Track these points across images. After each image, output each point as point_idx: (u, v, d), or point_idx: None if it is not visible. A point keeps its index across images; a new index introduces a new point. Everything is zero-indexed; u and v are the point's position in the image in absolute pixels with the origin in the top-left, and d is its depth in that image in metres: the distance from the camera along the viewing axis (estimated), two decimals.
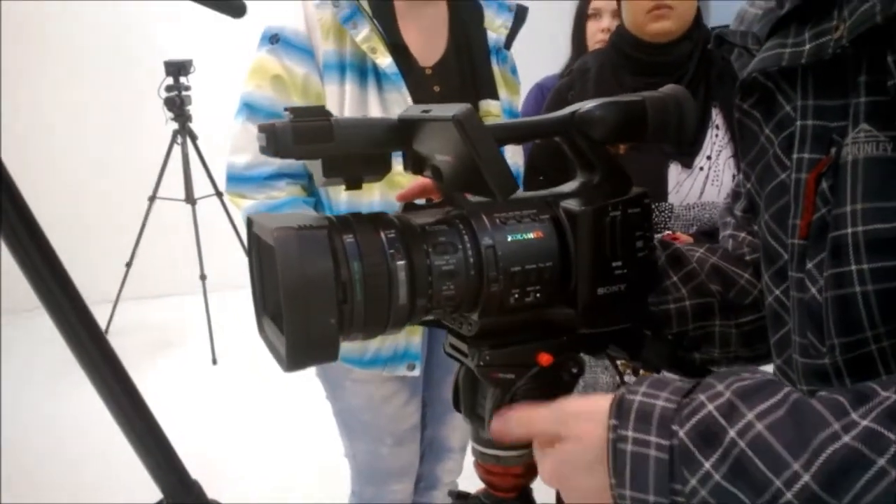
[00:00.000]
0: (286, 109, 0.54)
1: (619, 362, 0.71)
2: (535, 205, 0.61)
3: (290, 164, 1.32)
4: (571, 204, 0.60)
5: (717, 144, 1.51)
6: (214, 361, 3.82)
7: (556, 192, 0.62)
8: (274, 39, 1.30)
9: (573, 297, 0.60)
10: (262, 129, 0.54)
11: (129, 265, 4.03)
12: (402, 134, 0.56)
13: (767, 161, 0.61)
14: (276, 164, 1.31)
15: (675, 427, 0.47)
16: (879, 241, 0.49)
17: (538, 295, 0.59)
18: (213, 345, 3.83)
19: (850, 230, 0.50)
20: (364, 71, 1.29)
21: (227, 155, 1.35)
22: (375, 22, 1.30)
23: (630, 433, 0.49)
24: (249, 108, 1.32)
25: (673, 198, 1.50)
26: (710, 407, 0.47)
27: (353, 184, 0.59)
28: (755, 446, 0.44)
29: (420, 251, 0.55)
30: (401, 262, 0.54)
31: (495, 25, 1.44)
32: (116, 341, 0.62)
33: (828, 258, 0.52)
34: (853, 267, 0.50)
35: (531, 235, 0.59)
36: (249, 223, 0.59)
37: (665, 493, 0.47)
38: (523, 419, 0.57)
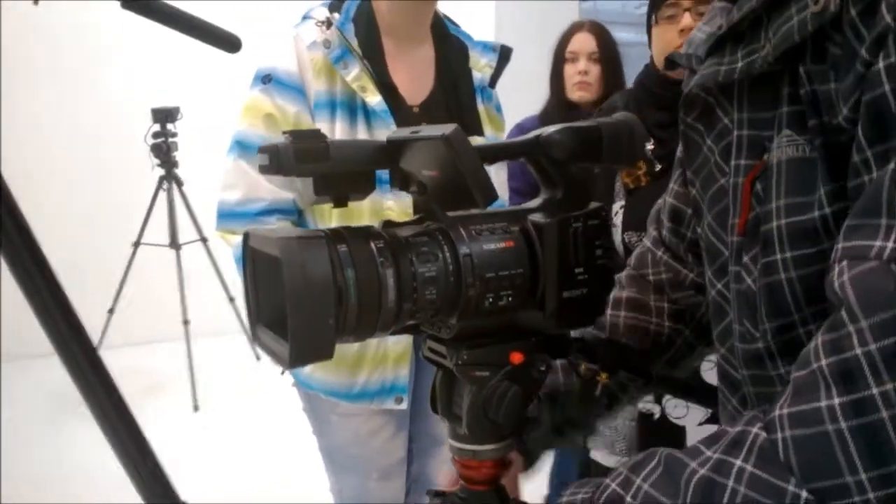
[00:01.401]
0: (285, 133, 0.62)
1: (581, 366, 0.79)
2: (505, 218, 0.68)
3: (281, 199, 1.38)
4: (538, 217, 0.68)
5: None
6: (196, 408, 3.82)
7: (523, 207, 0.70)
8: (266, 79, 1.37)
9: (541, 301, 0.67)
10: (263, 149, 0.62)
11: (111, 311, 4.05)
12: (389, 153, 0.64)
13: (709, 169, 0.69)
14: (267, 199, 1.37)
15: None
16: (799, 231, 0.56)
17: (510, 299, 0.66)
18: (194, 391, 3.83)
19: (774, 223, 0.58)
20: (354, 109, 1.37)
21: (219, 192, 1.41)
22: (365, 62, 1.38)
23: None
24: (241, 146, 1.38)
25: None
26: (613, 485, 0.58)
27: (341, 201, 0.66)
28: (645, 502, 0.55)
29: (406, 260, 0.62)
30: (389, 270, 0.61)
31: (480, 65, 1.53)
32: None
33: (759, 250, 0.60)
34: (778, 256, 0.58)
35: (503, 245, 0.66)
36: (246, 237, 0.66)
37: None
38: None
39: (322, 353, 0.59)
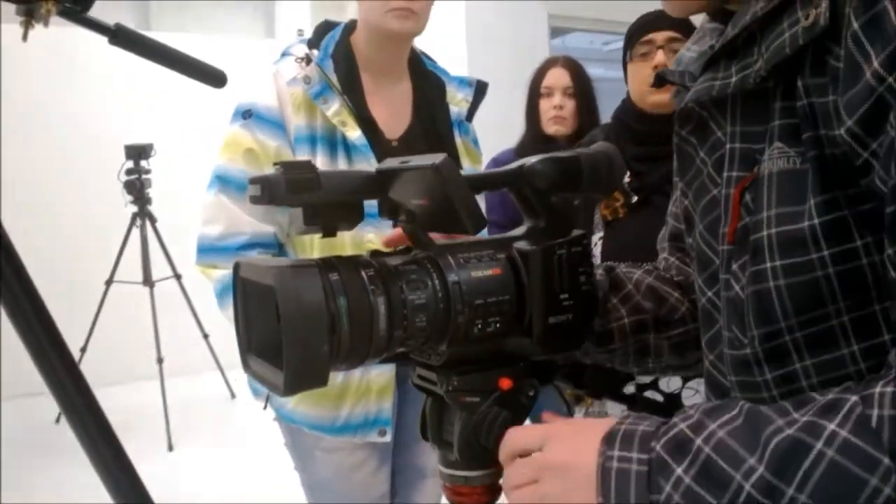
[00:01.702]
0: (276, 164, 0.63)
1: (566, 391, 0.80)
2: (491, 246, 0.70)
3: (262, 233, 1.39)
4: (523, 245, 0.69)
5: None
6: (171, 447, 3.76)
7: (508, 236, 0.72)
8: (247, 115, 1.39)
9: (528, 327, 0.68)
10: (255, 180, 0.63)
11: (83, 350, 3.99)
12: (379, 183, 0.66)
13: (702, 180, 0.71)
14: (248, 233, 1.38)
15: (653, 443, 0.56)
16: (788, 240, 0.58)
17: (498, 325, 0.67)
18: (169, 430, 3.78)
19: (765, 232, 0.60)
20: (334, 143, 1.39)
21: (199, 226, 1.41)
22: (345, 97, 1.40)
23: (616, 452, 0.57)
24: (222, 181, 1.39)
25: None
26: (682, 425, 0.56)
27: (329, 232, 0.68)
28: (718, 449, 0.53)
29: (396, 288, 0.63)
30: (380, 298, 0.62)
31: (457, 99, 1.56)
32: (69, 429, 0.64)
33: (749, 259, 0.62)
34: (768, 264, 0.59)
35: (490, 272, 0.67)
36: (237, 267, 0.67)
37: (645, 502, 0.54)
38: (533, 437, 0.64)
39: (316, 380, 0.60)
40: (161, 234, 4.11)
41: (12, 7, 0.67)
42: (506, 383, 0.68)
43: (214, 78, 0.82)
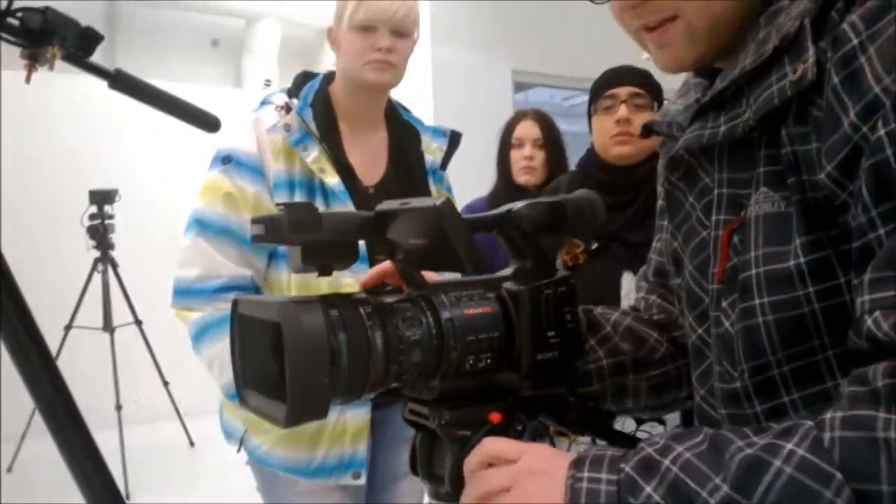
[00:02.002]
0: (278, 205, 0.66)
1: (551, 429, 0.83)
2: (481, 286, 0.73)
3: (239, 276, 1.40)
4: (511, 285, 0.73)
5: None
6: (128, 496, 3.65)
7: (497, 276, 0.75)
8: (226, 160, 1.41)
9: (517, 363, 0.71)
10: (257, 220, 0.65)
11: None
12: (377, 224, 0.69)
13: (691, 223, 0.76)
14: (225, 276, 1.39)
15: (622, 465, 0.59)
16: (775, 278, 0.62)
17: (489, 361, 0.70)
18: (126, 480, 3.67)
19: (753, 271, 0.64)
20: (312, 189, 1.42)
21: (176, 270, 1.42)
22: (324, 145, 1.44)
23: (585, 474, 0.59)
24: (200, 224, 1.40)
25: (625, 303, 1.67)
26: (650, 449, 0.59)
27: (325, 271, 0.70)
28: (685, 469, 0.56)
29: (392, 324, 0.66)
30: (378, 333, 0.64)
31: (432, 148, 1.61)
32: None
33: (738, 296, 0.65)
34: (756, 301, 0.63)
35: (481, 310, 0.70)
36: (235, 304, 0.69)
37: None
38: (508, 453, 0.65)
39: (317, 411, 0.61)
40: (123, 280, 4.05)
41: None
42: (496, 417, 0.70)
43: (208, 123, 0.85)
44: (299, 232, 0.64)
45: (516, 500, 0.62)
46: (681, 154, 0.74)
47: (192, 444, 4.43)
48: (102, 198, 3.97)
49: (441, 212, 0.63)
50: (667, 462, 0.57)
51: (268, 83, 5.97)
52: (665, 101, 1.73)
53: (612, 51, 2.05)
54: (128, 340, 3.98)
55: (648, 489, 0.56)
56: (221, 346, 1.37)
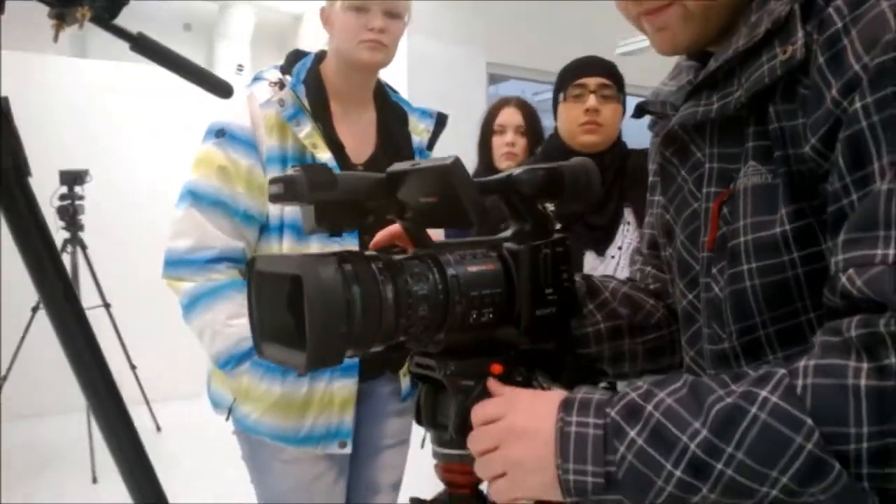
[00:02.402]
0: (294, 166, 0.69)
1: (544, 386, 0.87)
2: (483, 245, 0.77)
3: (231, 248, 1.42)
4: (512, 245, 0.77)
5: (627, 237, 1.81)
6: (95, 480, 3.63)
7: (498, 237, 0.80)
8: (220, 133, 1.43)
9: (517, 318, 0.76)
10: (276, 180, 0.69)
11: (4, 379, 3.84)
12: (389, 185, 0.73)
13: (683, 196, 0.80)
14: (217, 247, 1.41)
15: (608, 409, 0.64)
16: (762, 245, 0.67)
17: (491, 315, 0.74)
18: (93, 462, 3.65)
19: (742, 239, 0.69)
20: (304, 164, 1.44)
21: (168, 240, 1.44)
22: (316, 121, 1.47)
23: (574, 418, 0.64)
24: (194, 196, 1.43)
25: None
26: (633, 394, 0.64)
27: (336, 232, 0.74)
28: (667, 415, 0.61)
29: (402, 279, 0.69)
30: (388, 287, 0.68)
31: (419, 129, 1.66)
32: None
33: (727, 263, 0.71)
34: (744, 266, 0.69)
35: (484, 268, 0.75)
36: (252, 261, 0.72)
37: (600, 463, 0.62)
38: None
39: (334, 358, 0.65)
40: (92, 262, 4.02)
41: None
42: (497, 369, 0.75)
43: (222, 89, 0.88)
44: (316, 191, 0.68)
45: (504, 460, 0.67)
46: (675, 130, 0.79)
47: (158, 429, 4.41)
48: (73, 178, 3.93)
49: (452, 169, 0.67)
50: (649, 407, 0.62)
51: (240, 68, 5.92)
52: (609, 94, 1.81)
53: (584, 46, 2.12)
54: (95, 323, 3.90)
55: (633, 434, 0.61)
56: (212, 316, 1.40)
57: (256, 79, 1.52)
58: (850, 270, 0.58)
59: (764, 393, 0.57)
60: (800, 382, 0.57)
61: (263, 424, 1.45)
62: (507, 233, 0.81)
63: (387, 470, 1.63)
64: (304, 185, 0.68)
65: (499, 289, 0.75)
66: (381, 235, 0.82)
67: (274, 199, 0.70)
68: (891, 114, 0.58)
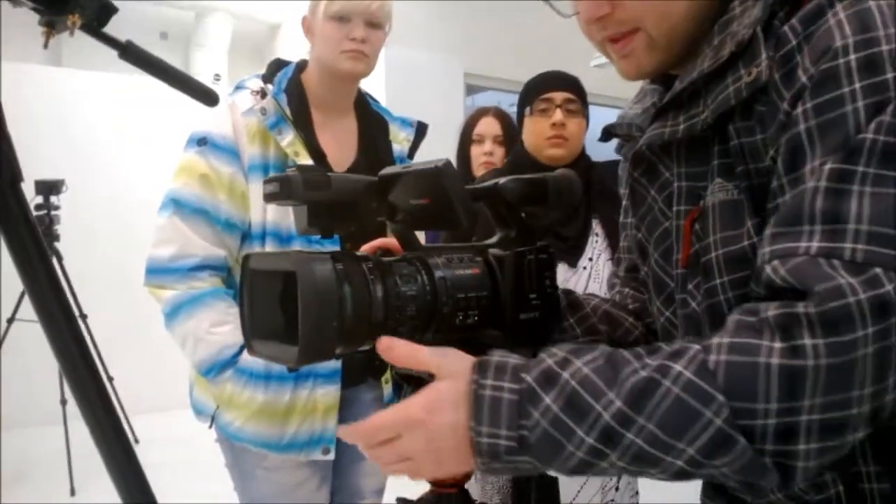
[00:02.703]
0: (290, 167, 0.71)
1: None
2: (469, 250, 0.79)
3: (213, 256, 1.43)
4: (497, 251, 0.79)
5: (597, 248, 1.84)
6: (73, 492, 3.59)
7: (484, 244, 0.82)
8: (202, 142, 1.45)
9: (501, 321, 0.78)
10: (271, 179, 0.71)
11: None
12: (380, 187, 0.75)
13: (654, 215, 0.83)
14: (200, 255, 1.41)
15: (523, 375, 0.65)
16: (733, 258, 0.69)
17: (476, 318, 0.76)
18: (71, 475, 3.61)
19: (713, 254, 0.71)
20: None
21: (150, 248, 1.44)
22: (298, 130, 1.48)
23: (489, 381, 0.65)
24: (176, 204, 1.43)
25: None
26: (550, 361, 0.65)
27: (327, 233, 0.76)
28: (582, 383, 0.62)
29: (391, 280, 0.71)
30: (378, 287, 0.70)
31: (399, 138, 1.68)
32: None
33: (701, 279, 0.73)
34: (717, 281, 0.71)
35: (470, 271, 0.77)
36: (246, 259, 0.73)
37: (514, 427, 0.63)
38: (408, 351, 0.69)
39: (326, 353, 0.67)
40: (68, 273, 3.98)
41: None
42: None
43: (207, 96, 0.89)
44: (310, 190, 0.70)
45: (408, 444, 0.67)
46: (643, 151, 0.81)
47: (136, 440, 4.36)
48: (48, 188, 3.89)
49: (443, 172, 0.69)
50: (566, 375, 0.63)
51: (217, 78, 5.91)
52: (574, 108, 1.86)
53: (560, 57, 2.15)
54: None
55: (548, 400, 0.62)
56: (194, 324, 1.40)
57: (238, 87, 1.53)
58: (775, 261, 0.61)
59: (678, 367, 0.59)
60: (713, 358, 0.59)
61: (247, 431, 1.45)
62: (493, 239, 0.83)
63: (370, 475, 1.64)
64: (299, 184, 0.70)
65: (484, 292, 0.77)
66: (371, 244, 0.84)
67: (269, 198, 0.72)
68: (827, 118, 0.60)
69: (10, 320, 3.82)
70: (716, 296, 0.71)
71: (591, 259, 1.83)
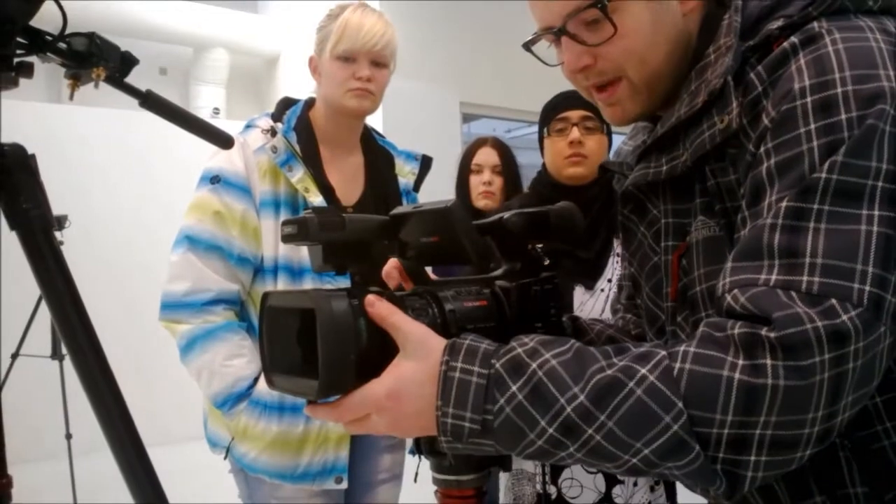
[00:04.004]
0: (306, 209, 0.75)
1: None
2: (477, 283, 0.83)
3: (227, 290, 1.47)
4: (504, 282, 0.83)
5: (617, 270, 1.82)
6: None
7: (491, 276, 0.86)
8: (215, 180, 1.49)
9: None
10: (288, 221, 0.74)
11: None
12: (392, 226, 0.78)
13: (644, 250, 0.87)
14: (214, 290, 1.45)
15: (493, 361, 0.67)
16: (715, 292, 0.71)
17: None
18: None
19: (698, 288, 0.75)
20: (296, 208, 1.51)
21: (164, 284, 1.48)
22: (308, 166, 1.53)
23: (459, 364, 0.68)
24: (190, 240, 1.47)
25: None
26: (519, 350, 0.68)
27: (341, 270, 0.80)
28: (549, 375, 0.65)
29: (404, 313, 0.75)
30: None
31: (405, 172, 1.73)
32: None
33: (689, 311, 0.77)
34: (703, 313, 0.75)
35: (478, 303, 0.81)
36: (265, 297, 0.77)
37: (479, 411, 0.66)
38: (386, 310, 0.71)
39: (344, 386, 0.70)
40: None
41: None
42: None
43: (223, 140, 0.94)
44: (326, 231, 0.74)
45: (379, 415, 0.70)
46: (630, 190, 0.85)
47: None
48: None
49: (452, 211, 0.73)
50: (534, 365, 0.66)
51: (216, 112, 5.99)
52: (593, 126, 1.84)
53: (554, 85, 2.19)
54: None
55: (514, 388, 0.65)
56: (209, 357, 1.44)
57: (249, 126, 1.58)
58: (735, 290, 0.64)
59: (643, 371, 0.62)
60: (677, 366, 0.61)
61: (261, 462, 1.48)
62: (499, 272, 0.87)
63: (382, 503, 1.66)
64: (315, 226, 0.73)
65: (492, 322, 0.81)
66: (390, 271, 0.86)
67: (287, 238, 0.75)
68: (785, 157, 0.64)
69: (15, 356, 3.84)
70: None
71: (609, 280, 1.80)
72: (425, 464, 0.84)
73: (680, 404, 0.60)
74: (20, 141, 0.82)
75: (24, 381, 3.91)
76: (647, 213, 0.85)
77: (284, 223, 0.75)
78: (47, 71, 0.84)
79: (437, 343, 0.70)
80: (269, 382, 0.77)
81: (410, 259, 0.81)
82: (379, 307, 0.70)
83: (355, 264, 0.81)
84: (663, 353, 0.64)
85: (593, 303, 1.80)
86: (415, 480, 1.67)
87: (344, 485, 1.52)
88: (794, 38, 0.68)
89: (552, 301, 0.86)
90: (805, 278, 0.61)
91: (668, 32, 0.78)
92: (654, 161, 0.80)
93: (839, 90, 0.63)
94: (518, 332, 0.81)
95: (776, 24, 0.70)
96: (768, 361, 0.59)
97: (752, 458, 0.60)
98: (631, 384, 0.62)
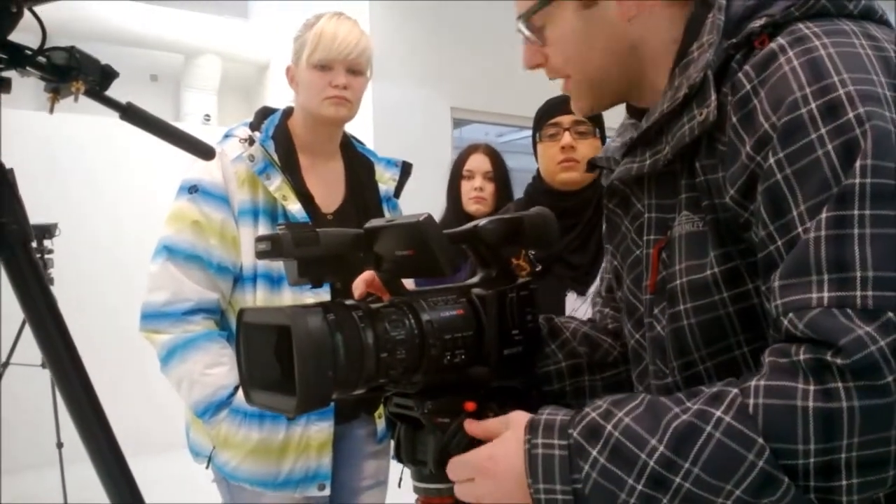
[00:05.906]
0: (279, 225, 0.76)
1: None
2: (454, 292, 0.84)
3: (206, 299, 1.48)
4: (480, 290, 0.84)
5: None
6: None
7: (467, 284, 0.86)
8: (193, 189, 1.50)
9: (487, 358, 0.82)
10: (262, 238, 0.75)
11: None
12: (366, 239, 0.79)
13: (627, 244, 0.88)
14: (193, 300, 1.46)
15: (570, 430, 0.69)
16: (696, 286, 0.74)
17: (463, 356, 0.81)
18: None
19: (678, 282, 0.76)
20: (275, 216, 1.51)
21: (144, 294, 1.48)
22: (286, 174, 1.53)
23: (540, 440, 0.70)
24: (169, 250, 1.48)
25: None
26: (594, 414, 0.69)
27: (317, 284, 0.80)
28: (625, 433, 0.66)
29: (381, 326, 0.75)
30: (369, 333, 0.74)
31: (385, 178, 1.73)
32: None
33: (667, 304, 0.77)
34: (681, 307, 0.75)
35: (455, 312, 0.81)
36: (241, 313, 0.78)
37: (567, 482, 0.68)
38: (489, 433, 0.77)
39: (322, 401, 0.71)
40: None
41: None
42: (470, 406, 0.81)
43: (204, 152, 0.94)
44: (301, 246, 0.74)
45: (481, 486, 0.74)
46: (615, 184, 0.87)
47: None
48: (41, 232, 3.91)
49: (424, 225, 0.74)
50: (609, 427, 0.67)
51: (207, 118, 5.98)
52: (584, 130, 1.83)
53: (545, 89, 2.20)
54: None
55: (594, 453, 0.67)
56: (189, 367, 1.44)
57: (227, 136, 1.58)
58: (791, 314, 0.64)
59: (718, 413, 0.62)
60: (751, 402, 0.62)
61: (243, 470, 1.48)
62: (475, 280, 0.87)
63: None
64: (289, 242, 0.74)
65: (469, 331, 0.81)
66: (357, 283, 0.88)
67: (261, 255, 0.76)
68: (801, 166, 0.65)
69: (5, 364, 3.82)
70: (679, 320, 0.76)
71: None
72: None
73: (760, 440, 0.60)
74: (9, 150, 0.82)
75: (15, 390, 3.90)
76: (632, 208, 0.86)
77: (258, 239, 0.76)
78: (36, 79, 0.84)
79: (522, 420, 0.73)
80: (248, 398, 0.78)
81: (385, 272, 0.81)
82: (472, 429, 0.78)
83: (331, 277, 0.82)
84: (735, 391, 0.64)
85: (584, 309, 1.78)
86: (399, 486, 1.67)
87: (327, 492, 1.52)
88: (780, 39, 0.69)
89: (528, 307, 0.86)
90: (859, 293, 0.60)
91: (605, 38, 0.80)
92: (639, 155, 0.82)
93: (841, 91, 0.64)
94: (495, 340, 0.82)
95: (758, 23, 0.71)
96: (840, 384, 0.59)
97: (844, 482, 0.60)
98: (708, 427, 0.62)
